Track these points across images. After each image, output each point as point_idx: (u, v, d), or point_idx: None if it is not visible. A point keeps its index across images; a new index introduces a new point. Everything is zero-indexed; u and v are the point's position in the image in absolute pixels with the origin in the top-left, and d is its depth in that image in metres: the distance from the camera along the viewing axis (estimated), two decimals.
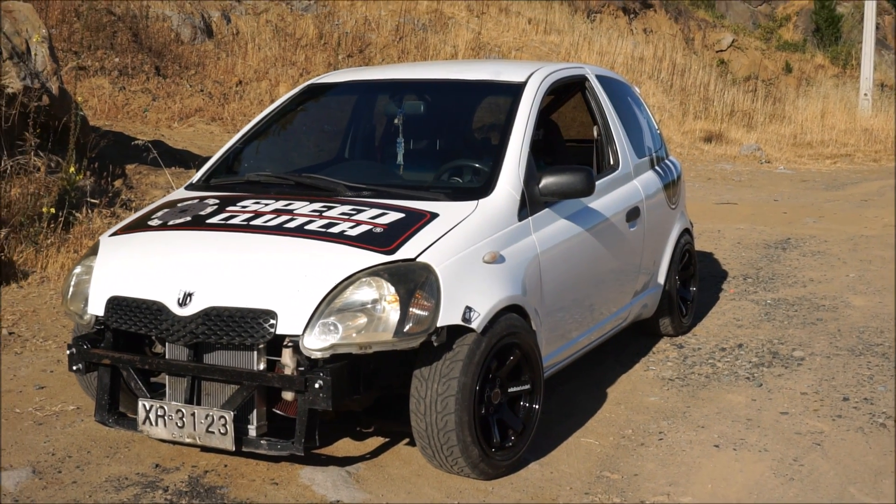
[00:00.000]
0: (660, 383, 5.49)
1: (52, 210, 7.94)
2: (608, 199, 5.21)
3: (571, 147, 5.92)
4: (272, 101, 17.66)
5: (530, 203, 4.52)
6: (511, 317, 4.15)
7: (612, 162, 5.50)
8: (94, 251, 4.42)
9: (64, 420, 4.73)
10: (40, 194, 8.15)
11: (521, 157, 4.57)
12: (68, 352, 4.20)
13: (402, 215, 4.17)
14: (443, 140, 5.31)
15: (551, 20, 24.51)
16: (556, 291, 4.62)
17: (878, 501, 4.01)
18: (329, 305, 3.78)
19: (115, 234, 4.50)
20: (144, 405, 3.98)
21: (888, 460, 4.41)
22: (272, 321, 3.78)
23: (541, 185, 4.56)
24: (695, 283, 6.59)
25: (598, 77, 5.71)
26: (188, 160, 11.43)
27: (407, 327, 3.75)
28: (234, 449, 3.85)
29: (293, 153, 5.58)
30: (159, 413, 3.95)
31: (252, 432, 3.93)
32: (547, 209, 4.65)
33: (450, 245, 4.02)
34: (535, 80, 5.02)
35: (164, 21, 18.18)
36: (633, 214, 5.46)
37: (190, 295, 3.93)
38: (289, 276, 3.88)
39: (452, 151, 5.19)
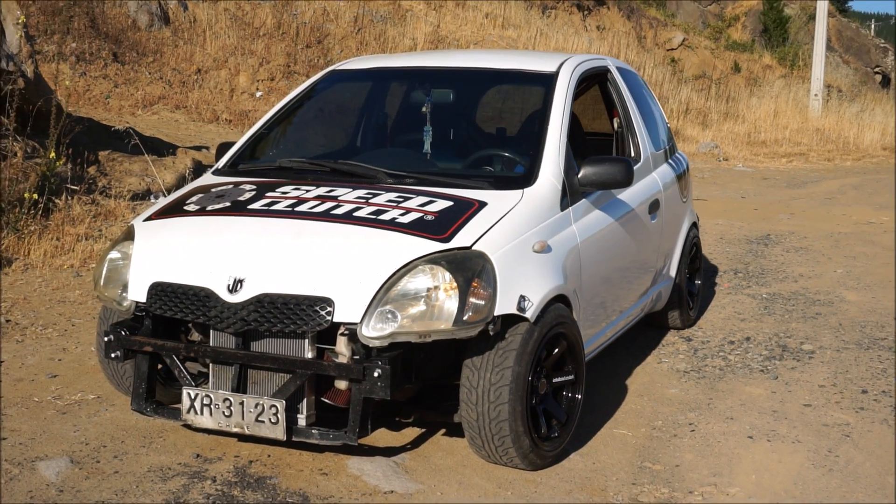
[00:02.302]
0: (676, 375, 5.52)
1: (35, 196, 7.74)
2: (633, 191, 5.22)
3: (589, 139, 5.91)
4: (232, 91, 17.54)
5: (570, 193, 4.50)
6: (559, 307, 4.13)
7: (633, 154, 5.50)
8: (128, 236, 4.29)
9: (87, 409, 4.60)
10: (18, 180, 7.94)
11: (561, 146, 4.55)
12: (105, 339, 4.08)
13: (450, 203, 4.13)
14: (475, 129, 5.26)
15: (507, 15, 24.56)
16: (592, 282, 4.61)
17: None
18: (387, 293, 3.72)
19: (149, 218, 4.38)
20: (189, 394, 3.88)
21: None
22: (329, 309, 3.71)
23: (580, 176, 4.54)
24: (699, 276, 6.64)
25: (619, 69, 5.72)
26: (160, 148, 11.21)
27: (466, 316, 3.71)
28: (284, 438, 3.78)
29: (317, 140, 5.49)
30: (205, 402, 3.85)
31: (301, 422, 3.86)
32: (584, 199, 4.64)
33: (502, 234, 3.99)
34: (566, 69, 5.01)
35: (120, 7, 17.83)
36: (654, 206, 5.48)
37: (240, 281, 3.84)
38: (344, 264, 3.81)
39: (486, 140, 5.15)
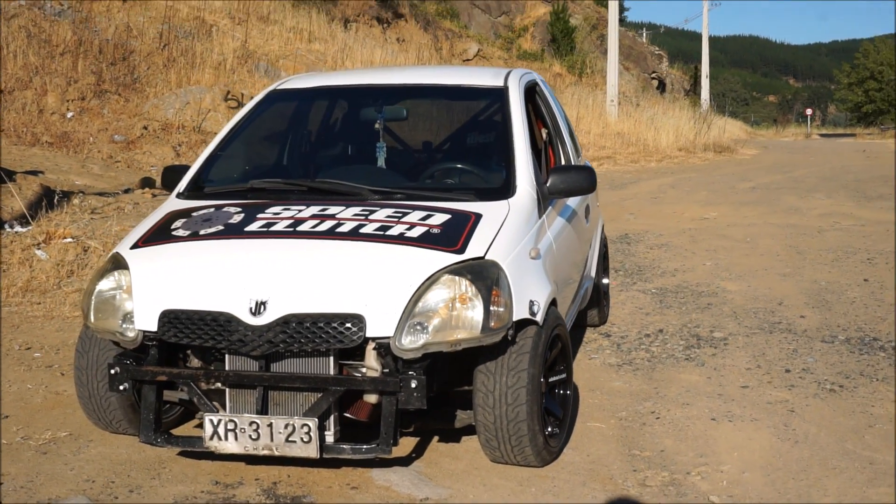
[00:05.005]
0: (612, 370, 5.83)
1: None
2: (573, 197, 5.49)
3: None
4: (40, 111, 16.76)
5: (542, 200, 4.72)
6: (553, 309, 4.34)
7: (563, 162, 5.78)
8: (117, 265, 4.17)
9: (69, 447, 4.43)
10: None
11: (529, 157, 4.76)
12: (111, 371, 3.97)
13: (449, 216, 4.25)
14: (434, 144, 5.39)
15: (312, 29, 24.58)
16: (561, 282, 4.85)
17: (874, 453, 4.51)
18: (415, 306, 3.81)
19: (135, 246, 4.27)
20: (212, 420, 3.83)
21: (856, 419, 4.95)
22: (360, 325, 3.76)
23: (549, 184, 4.76)
24: (608, 275, 7.00)
25: (542, 81, 5.99)
26: (8, 175, 10.64)
27: (491, 323, 3.86)
28: (318, 456, 3.79)
29: (271, 160, 5.46)
30: (229, 427, 3.82)
31: (329, 438, 3.88)
32: (549, 206, 4.87)
33: (505, 243, 4.16)
34: (513, 82, 5.22)
35: None
36: (587, 210, 5.79)
37: (263, 303, 3.83)
38: (369, 280, 3.87)
39: (450, 155, 5.28)
